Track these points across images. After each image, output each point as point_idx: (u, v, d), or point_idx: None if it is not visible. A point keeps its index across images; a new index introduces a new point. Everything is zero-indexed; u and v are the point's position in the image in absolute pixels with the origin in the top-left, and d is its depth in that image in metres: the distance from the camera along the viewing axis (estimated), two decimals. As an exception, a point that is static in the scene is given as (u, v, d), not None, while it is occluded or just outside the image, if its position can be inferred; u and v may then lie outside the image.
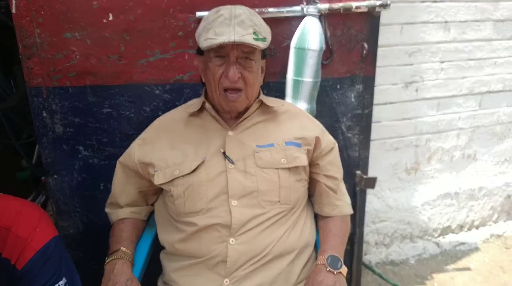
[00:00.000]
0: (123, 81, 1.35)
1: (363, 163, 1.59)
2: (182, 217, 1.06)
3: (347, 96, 1.48)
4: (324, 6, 1.31)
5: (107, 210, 1.21)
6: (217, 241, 1.01)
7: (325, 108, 1.47)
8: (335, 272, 1.00)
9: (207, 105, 1.13)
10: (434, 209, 2.22)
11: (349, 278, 1.78)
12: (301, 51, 1.28)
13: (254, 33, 1.02)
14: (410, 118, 2.00)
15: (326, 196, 1.18)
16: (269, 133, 1.13)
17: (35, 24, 1.25)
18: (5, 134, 1.99)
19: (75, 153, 1.40)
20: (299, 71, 1.30)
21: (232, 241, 1.00)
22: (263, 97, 1.16)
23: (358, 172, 1.58)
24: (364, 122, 1.53)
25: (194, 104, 1.18)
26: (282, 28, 1.34)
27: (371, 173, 2.04)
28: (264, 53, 1.13)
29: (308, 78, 1.30)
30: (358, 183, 1.59)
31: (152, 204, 1.22)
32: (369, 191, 2.09)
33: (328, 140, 1.18)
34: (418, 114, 2.02)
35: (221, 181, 1.05)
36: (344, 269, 1.02)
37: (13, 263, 0.88)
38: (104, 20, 1.27)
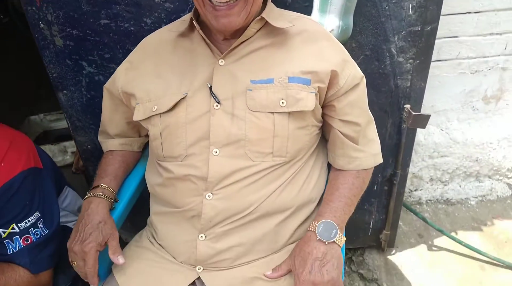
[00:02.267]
0: (118, -15, 1.12)
1: (416, 96, 1.26)
2: (160, 160, 0.92)
3: (402, 6, 1.09)
4: None
5: (99, 138, 1.12)
6: (192, 194, 0.87)
7: (370, 24, 1.12)
8: (326, 243, 0.82)
9: (195, 23, 0.88)
10: (514, 146, 1.82)
11: (383, 219, 1.60)
12: None
13: None
14: (500, 33, 1.49)
15: (340, 145, 0.94)
16: (272, 63, 0.87)
17: None
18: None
19: (80, 69, 1.29)
20: (329, -27, 0.95)
21: (209, 196, 0.85)
22: (267, 14, 0.87)
23: (407, 106, 1.26)
24: (423, 43, 1.15)
25: (184, 20, 0.94)
26: None
27: (437, 100, 1.68)
28: None
29: (342, -17, 0.95)
30: (405, 120, 1.28)
31: (146, 135, 1.09)
32: (430, 121, 1.74)
33: (351, 75, 0.88)
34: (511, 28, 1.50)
35: (202, 125, 0.86)
36: (339, 239, 0.83)
37: None
38: None
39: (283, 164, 0.87)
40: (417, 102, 1.27)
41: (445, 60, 1.54)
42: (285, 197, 0.88)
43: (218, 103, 0.85)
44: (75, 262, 0.86)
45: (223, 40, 0.89)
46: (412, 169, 1.85)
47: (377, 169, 1.44)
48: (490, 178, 1.91)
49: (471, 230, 1.83)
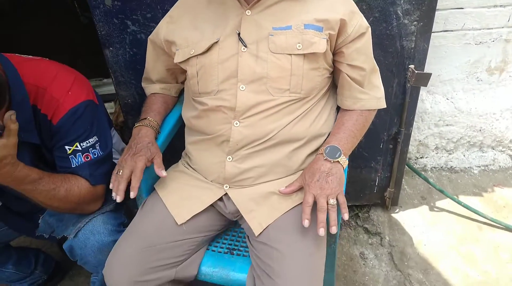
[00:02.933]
0: None
1: (420, 57, 1.41)
2: (196, 96, 1.11)
3: (407, -28, 1.24)
4: None
5: (143, 84, 1.32)
6: (222, 122, 1.05)
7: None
8: (331, 161, 0.99)
9: None
10: (517, 118, 1.94)
11: (388, 177, 1.75)
12: None
13: None
14: (504, 5, 1.62)
15: (348, 87, 1.10)
16: (291, 13, 1.04)
17: None
18: None
19: (125, 27, 1.48)
20: None
21: (236, 123, 1.03)
22: None
23: (411, 66, 1.41)
24: (426, 6, 1.30)
25: None
26: None
27: (442, 70, 1.82)
28: None
29: None
30: (409, 79, 1.43)
31: (182, 82, 1.29)
32: (436, 90, 1.89)
33: (358, 24, 1.04)
34: (516, 1, 1.63)
35: (232, 64, 1.04)
36: (343, 160, 1.00)
37: (49, 119, 1.04)
38: None
39: (298, 100, 1.05)
40: (421, 63, 1.41)
41: (451, 31, 1.67)
42: (298, 128, 1.06)
43: (245, 46, 1.03)
44: (121, 171, 1.04)
45: None
46: (418, 136, 1.99)
47: (383, 127, 1.60)
48: (493, 149, 2.03)
49: (472, 195, 1.96)
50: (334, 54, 1.08)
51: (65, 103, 1.05)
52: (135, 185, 1.03)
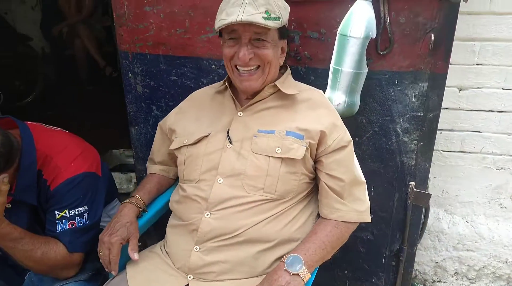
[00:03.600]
0: (187, 53, 1.50)
1: (421, 175, 1.37)
2: (181, 182, 1.17)
3: (406, 94, 1.28)
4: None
5: (147, 164, 1.42)
6: (196, 211, 1.09)
7: (378, 104, 1.32)
8: (291, 273, 0.96)
9: (227, 85, 1.18)
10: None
11: (389, 297, 1.60)
12: (343, 37, 1.17)
13: (266, 12, 1.00)
14: (524, 134, 1.56)
15: (325, 195, 1.10)
16: (277, 119, 1.11)
17: (125, -2, 1.50)
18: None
19: (150, 111, 1.66)
20: (339, 59, 1.20)
21: (207, 214, 1.06)
22: (281, 82, 1.13)
23: (412, 183, 1.38)
24: (426, 128, 1.30)
25: (221, 82, 1.24)
26: (335, 11, 1.25)
27: (461, 191, 1.73)
28: (283, 33, 1.10)
29: (348, 68, 1.19)
30: (409, 196, 1.38)
31: (181, 167, 1.37)
32: (454, 211, 1.79)
33: (339, 138, 1.08)
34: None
35: (215, 157, 1.10)
36: (304, 273, 0.96)
37: (48, 184, 1.15)
38: (174, -4, 1.43)
39: (271, 201, 1.06)
40: (422, 181, 1.37)
41: (469, 152, 1.62)
42: (269, 229, 1.06)
43: (231, 143, 1.10)
44: (101, 251, 1.10)
45: (245, 99, 1.16)
46: (435, 257, 1.83)
47: (384, 241, 1.52)
48: (524, 286, 1.80)
49: None
50: (315, 161, 1.10)
51: (65, 172, 1.17)
52: (113, 264, 1.08)
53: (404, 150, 1.35)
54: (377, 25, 1.19)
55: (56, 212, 1.15)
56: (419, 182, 1.38)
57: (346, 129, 1.12)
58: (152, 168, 1.37)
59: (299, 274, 0.96)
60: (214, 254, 1.05)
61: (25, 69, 4.00)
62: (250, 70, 1.07)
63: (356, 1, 1.16)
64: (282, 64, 1.16)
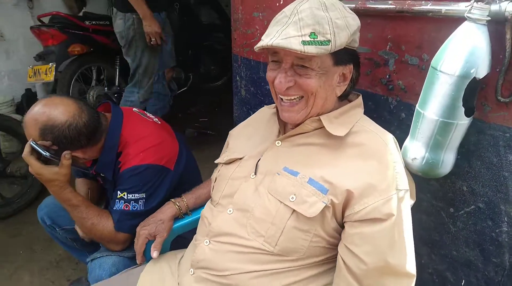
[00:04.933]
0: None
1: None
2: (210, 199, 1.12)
3: (534, 167, 0.83)
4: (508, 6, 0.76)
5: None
6: (202, 234, 1.02)
7: (488, 172, 0.90)
8: None
9: (276, 109, 1.04)
10: None
11: None
12: (433, 71, 0.84)
13: (311, 34, 0.81)
14: None
15: (338, 274, 0.84)
16: (312, 160, 0.90)
17: (240, 2, 1.50)
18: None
19: (248, 115, 1.64)
20: (424, 99, 0.87)
21: (206, 242, 0.97)
22: (329, 116, 0.91)
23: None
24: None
25: None
26: (444, 33, 0.89)
27: None
28: (342, 59, 0.87)
29: (432, 113, 0.85)
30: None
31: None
32: None
33: (374, 206, 0.79)
34: None
35: (236, 185, 0.99)
36: None
37: (119, 167, 1.30)
38: (277, 4, 1.33)
39: (270, 254, 0.89)
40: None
41: None
42: (260, 283, 0.89)
43: (255, 174, 0.97)
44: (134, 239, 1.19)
45: (291, 127, 0.99)
46: None
47: None
48: None
49: None
50: (341, 225, 0.85)
51: (133, 160, 1.29)
52: (137, 254, 1.16)
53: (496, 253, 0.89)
54: (498, 59, 0.80)
55: (118, 192, 1.29)
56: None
57: (396, 198, 0.81)
58: (213, 174, 1.36)
59: None
60: (202, 284, 0.97)
61: (223, 56, 4.57)
62: (292, 100, 0.90)
63: (465, 23, 0.80)
64: (340, 94, 0.93)
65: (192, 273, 1.00)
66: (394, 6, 0.97)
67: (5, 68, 3.61)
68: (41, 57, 2.95)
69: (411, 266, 0.82)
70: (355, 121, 0.93)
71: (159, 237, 1.16)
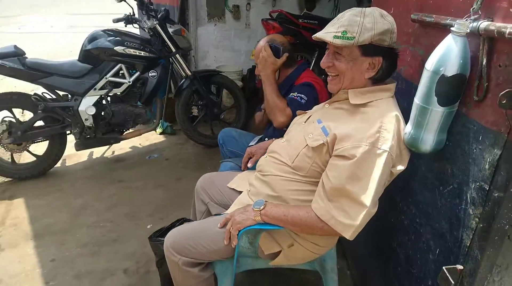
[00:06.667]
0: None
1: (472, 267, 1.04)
2: None
3: (483, 157, 1.01)
4: (485, 25, 0.98)
5: None
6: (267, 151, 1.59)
7: (462, 158, 1.11)
8: (251, 206, 1.36)
9: None
10: None
11: None
12: (424, 68, 1.13)
13: (343, 32, 1.25)
14: None
15: (318, 186, 1.29)
16: (334, 117, 1.34)
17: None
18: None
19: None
20: (417, 89, 1.16)
21: (265, 156, 1.55)
22: (355, 91, 1.31)
23: (459, 267, 1.08)
24: (489, 208, 0.98)
25: None
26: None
27: None
28: (369, 51, 1.26)
29: (416, 99, 1.14)
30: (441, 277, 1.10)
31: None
32: None
33: (344, 147, 1.19)
34: None
35: (293, 127, 1.55)
36: (257, 212, 1.33)
37: (293, 83, 2.07)
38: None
39: (288, 166, 1.38)
40: (472, 272, 1.05)
41: None
42: (278, 183, 1.41)
43: (304, 122, 1.47)
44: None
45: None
46: None
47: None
48: None
49: None
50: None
51: (303, 79, 2.02)
52: (243, 162, 1.87)
53: (465, 225, 1.07)
54: (477, 66, 1.03)
55: (292, 94, 1.98)
56: (468, 272, 1.06)
57: (365, 148, 1.18)
58: None
59: (253, 209, 1.33)
60: (256, 180, 1.55)
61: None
62: (331, 75, 1.35)
63: (449, 35, 1.06)
64: (368, 77, 1.30)
65: (255, 173, 1.60)
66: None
67: (245, 48, 4.93)
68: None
69: (366, 199, 1.16)
70: (375, 99, 1.29)
71: (255, 156, 1.80)
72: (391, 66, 1.31)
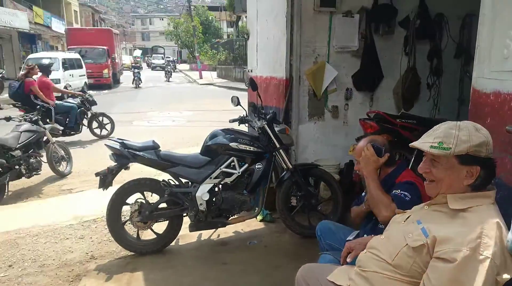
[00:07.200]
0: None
1: None
2: None
3: None
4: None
5: None
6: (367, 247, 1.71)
7: None
8: None
9: None
10: None
11: None
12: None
13: (440, 143, 1.42)
14: None
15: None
16: (433, 219, 1.44)
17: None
18: None
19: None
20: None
21: (365, 251, 1.66)
22: (455, 196, 1.42)
23: None
24: None
25: None
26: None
27: None
28: (466, 160, 1.38)
29: None
30: None
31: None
32: None
33: (446, 250, 1.28)
34: None
35: (393, 225, 1.65)
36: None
37: (394, 181, 2.22)
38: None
39: (388, 263, 1.48)
40: None
41: None
42: (375, 278, 1.50)
43: (404, 221, 1.59)
44: None
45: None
46: None
47: None
48: None
49: None
50: None
51: (403, 179, 2.18)
52: (342, 257, 1.99)
53: None
54: None
55: (395, 191, 2.12)
56: None
57: (465, 253, 1.25)
58: None
59: None
60: (356, 275, 1.65)
61: None
62: (428, 180, 1.50)
63: None
64: (467, 184, 1.41)
65: (354, 268, 1.71)
66: None
67: (343, 144, 5.20)
68: (358, 140, 4.21)
69: None
70: (475, 204, 1.38)
71: (354, 251, 1.91)
72: (489, 174, 1.41)
